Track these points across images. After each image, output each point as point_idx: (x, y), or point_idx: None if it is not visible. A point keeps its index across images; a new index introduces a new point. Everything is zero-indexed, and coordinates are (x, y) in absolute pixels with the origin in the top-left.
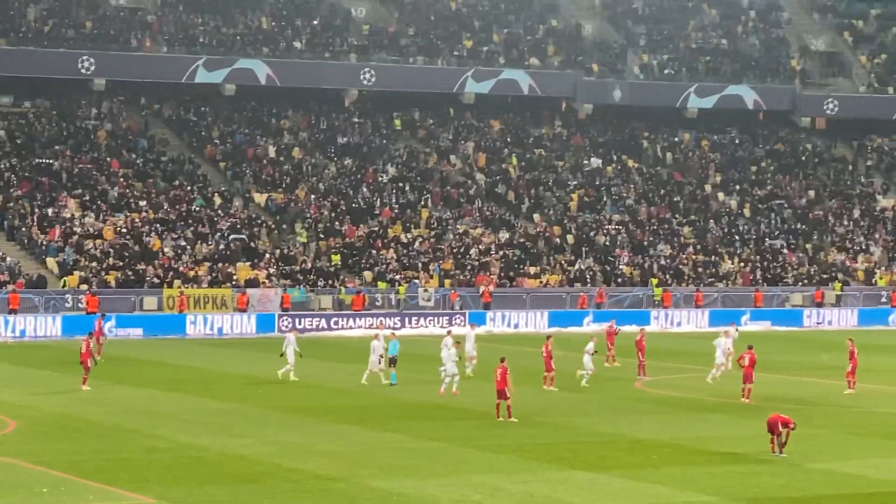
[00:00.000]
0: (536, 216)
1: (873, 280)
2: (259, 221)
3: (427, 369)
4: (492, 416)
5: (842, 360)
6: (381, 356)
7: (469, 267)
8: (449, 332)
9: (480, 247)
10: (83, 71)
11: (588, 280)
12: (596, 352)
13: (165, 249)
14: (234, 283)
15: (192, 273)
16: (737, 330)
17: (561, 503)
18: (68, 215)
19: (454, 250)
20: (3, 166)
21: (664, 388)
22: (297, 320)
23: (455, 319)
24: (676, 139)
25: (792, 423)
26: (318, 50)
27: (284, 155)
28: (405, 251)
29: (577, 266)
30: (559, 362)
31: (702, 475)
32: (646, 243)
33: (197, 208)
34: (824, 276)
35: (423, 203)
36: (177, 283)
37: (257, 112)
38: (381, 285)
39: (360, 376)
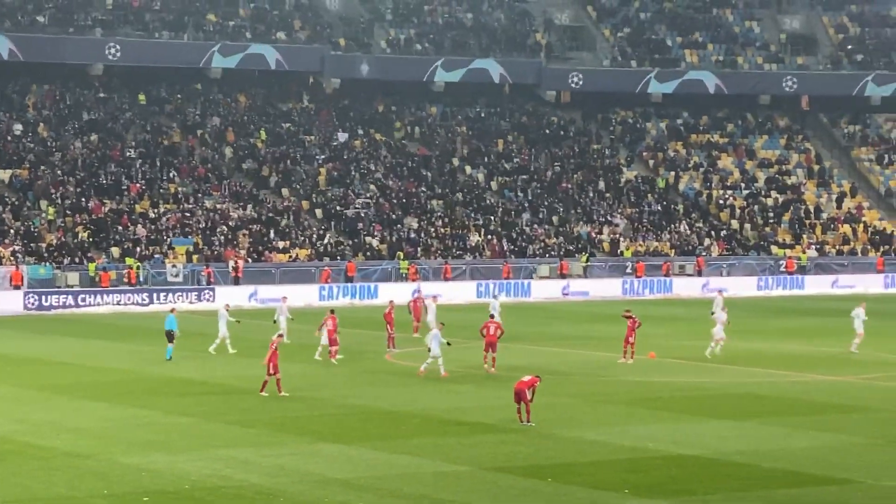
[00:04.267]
0: (285, 191)
1: (619, 251)
2: (3, 198)
3: (179, 345)
4: (239, 391)
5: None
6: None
7: (217, 242)
8: (431, 297)
9: (230, 222)
10: None
11: (337, 254)
12: (729, 321)
13: None
14: None
15: None
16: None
17: (311, 475)
18: None
19: (202, 225)
20: None
21: (414, 360)
22: (42, 297)
23: (203, 294)
24: (424, 113)
25: (537, 380)
26: (63, 24)
27: (29, 131)
28: (153, 226)
29: (326, 240)
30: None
31: (452, 445)
32: (394, 217)
33: None
34: (570, 247)
35: (170, 178)
36: None
37: (0, 87)
38: (129, 261)
39: (107, 352)
